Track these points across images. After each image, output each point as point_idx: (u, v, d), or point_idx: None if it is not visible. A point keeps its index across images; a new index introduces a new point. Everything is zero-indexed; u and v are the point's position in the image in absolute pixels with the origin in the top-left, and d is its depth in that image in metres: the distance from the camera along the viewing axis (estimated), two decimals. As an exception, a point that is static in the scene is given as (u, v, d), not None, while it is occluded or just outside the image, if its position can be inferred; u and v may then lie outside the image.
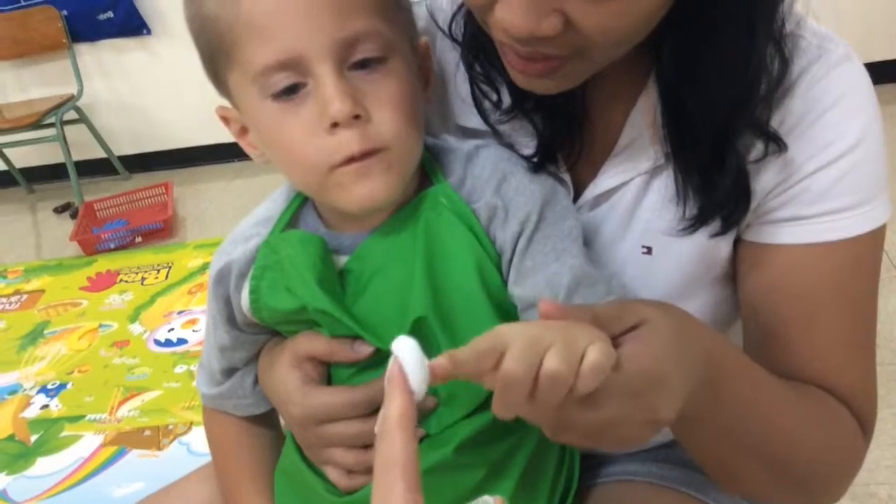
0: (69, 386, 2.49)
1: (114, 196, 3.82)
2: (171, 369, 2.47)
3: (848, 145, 0.68)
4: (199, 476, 0.97)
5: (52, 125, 3.80)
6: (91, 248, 3.43)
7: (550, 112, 0.74)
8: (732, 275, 0.78)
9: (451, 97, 0.83)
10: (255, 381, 0.85)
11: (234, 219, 0.83)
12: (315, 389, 0.75)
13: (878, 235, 0.71)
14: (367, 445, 0.73)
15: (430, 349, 0.51)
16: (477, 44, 0.75)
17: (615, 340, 0.54)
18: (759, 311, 0.75)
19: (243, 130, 0.75)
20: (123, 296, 3.02)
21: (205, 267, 3.09)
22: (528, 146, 0.76)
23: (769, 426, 0.67)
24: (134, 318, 2.84)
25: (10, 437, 2.29)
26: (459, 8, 0.78)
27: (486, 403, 0.71)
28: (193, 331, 2.67)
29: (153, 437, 2.18)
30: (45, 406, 2.41)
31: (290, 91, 0.66)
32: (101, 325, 2.82)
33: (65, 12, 3.90)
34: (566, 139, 0.76)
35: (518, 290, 0.70)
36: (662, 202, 0.74)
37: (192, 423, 2.20)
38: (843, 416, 0.72)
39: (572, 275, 0.68)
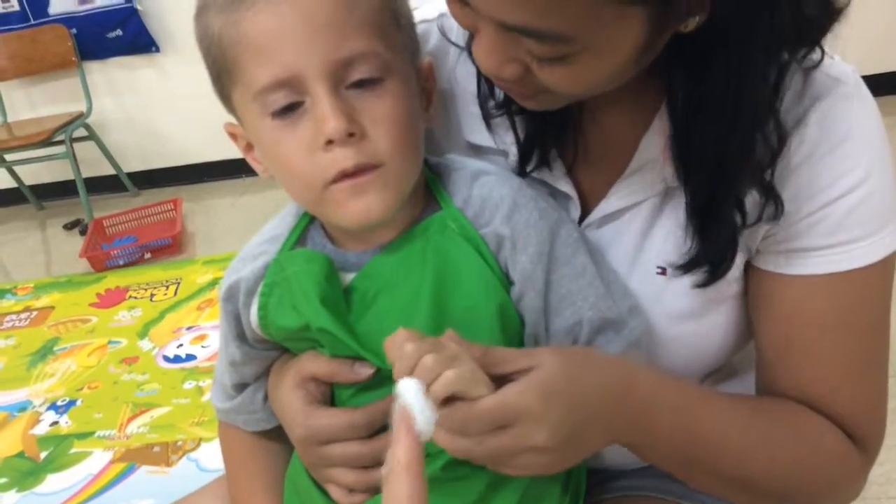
0: (79, 402, 2.50)
1: (123, 212, 3.84)
2: (179, 385, 2.48)
3: (859, 178, 0.69)
4: (209, 491, 0.97)
5: (61, 142, 3.83)
6: (100, 264, 3.45)
7: (534, 115, 0.75)
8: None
9: (460, 113, 0.84)
10: (266, 397, 0.85)
11: (242, 234, 0.84)
12: (317, 411, 0.76)
13: (887, 263, 0.72)
14: (368, 466, 0.74)
15: None
16: None
17: (507, 378, 0.61)
18: (766, 333, 0.77)
19: (249, 146, 0.76)
20: (132, 312, 3.03)
21: (214, 283, 3.10)
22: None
23: (720, 447, 0.71)
24: (143, 334, 2.84)
25: (20, 454, 2.30)
26: None
27: None
28: (202, 346, 2.68)
29: (162, 454, 2.18)
30: (55, 423, 2.42)
31: (289, 109, 0.67)
32: (110, 342, 2.83)
33: (74, 31, 3.95)
34: (555, 143, 0.77)
35: (542, 341, 0.74)
36: (676, 225, 0.75)
37: (201, 440, 2.20)
38: (827, 436, 0.74)
39: (590, 326, 0.72)
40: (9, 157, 3.96)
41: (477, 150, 0.83)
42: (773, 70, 0.64)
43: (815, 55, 0.67)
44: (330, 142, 0.66)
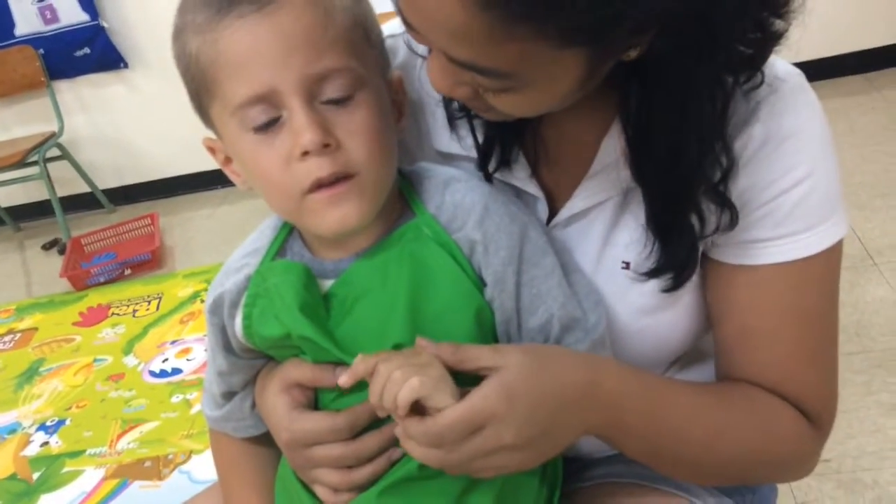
0: (67, 422, 2.51)
1: (100, 230, 3.83)
2: (167, 399, 2.49)
3: (804, 173, 0.74)
4: (201, 499, 1.01)
5: (35, 163, 3.83)
6: (81, 283, 3.44)
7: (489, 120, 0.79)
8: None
9: (429, 122, 0.87)
10: (253, 405, 0.89)
11: (221, 245, 0.87)
12: (301, 415, 0.79)
13: (833, 251, 0.77)
14: (351, 466, 0.77)
15: None
16: None
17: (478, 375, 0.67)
18: (722, 321, 0.81)
19: (228, 160, 0.79)
20: (116, 329, 3.03)
21: (195, 295, 3.11)
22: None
23: (685, 436, 0.76)
24: (128, 350, 2.85)
25: (13, 476, 2.31)
26: None
27: None
28: (188, 360, 2.69)
29: (154, 468, 2.19)
30: (45, 443, 2.43)
31: (268, 125, 0.70)
32: (95, 360, 2.84)
33: (41, 51, 3.94)
34: (515, 144, 0.81)
35: (515, 340, 0.78)
36: (639, 221, 0.78)
37: (191, 452, 2.21)
38: (783, 416, 0.79)
39: (560, 324, 0.76)
40: (-17, 180, 3.95)
41: (446, 158, 0.86)
42: (718, 95, 0.68)
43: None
44: (306, 153, 0.69)
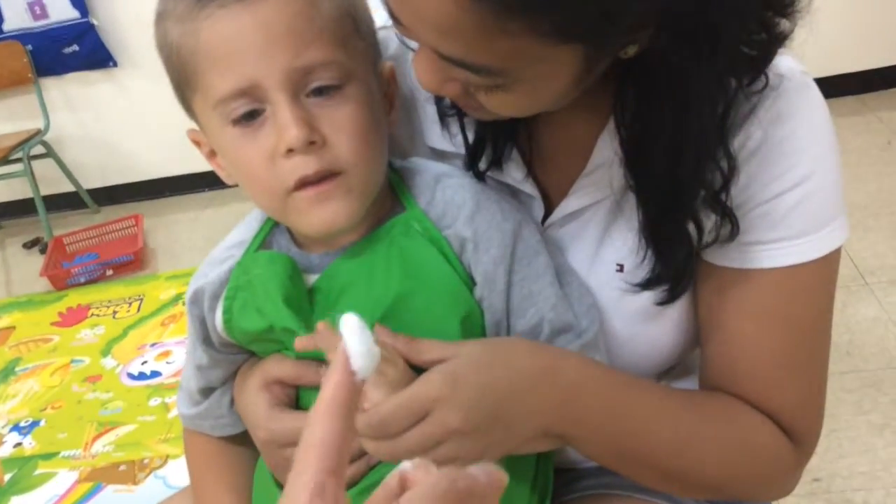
0: (42, 423, 2.46)
1: (83, 230, 3.79)
2: (145, 402, 2.45)
3: (802, 175, 0.70)
4: (176, 499, 0.97)
5: (19, 160, 3.78)
6: (61, 282, 3.40)
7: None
8: None
9: (422, 118, 0.84)
10: (232, 402, 0.86)
11: (205, 249, 0.85)
12: (280, 414, 0.76)
13: (829, 260, 0.73)
14: None
15: None
16: None
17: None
18: (708, 325, 0.78)
19: (213, 152, 0.76)
20: (95, 330, 2.99)
21: (177, 298, 3.07)
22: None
23: (651, 438, 0.72)
24: (106, 352, 2.81)
25: (-17, 477, 2.26)
26: None
27: None
28: (167, 363, 2.65)
29: (129, 472, 2.15)
30: (19, 444, 2.38)
31: (250, 117, 0.67)
32: (73, 361, 2.80)
33: (29, 47, 3.89)
34: (509, 143, 0.78)
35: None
36: (634, 223, 0.75)
37: (167, 457, 2.17)
38: (761, 431, 0.76)
39: (551, 327, 0.73)
40: (-35, 176, 3.90)
41: (439, 155, 0.84)
42: (720, 98, 0.65)
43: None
44: (290, 150, 0.66)
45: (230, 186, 0.78)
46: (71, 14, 3.85)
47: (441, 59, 0.60)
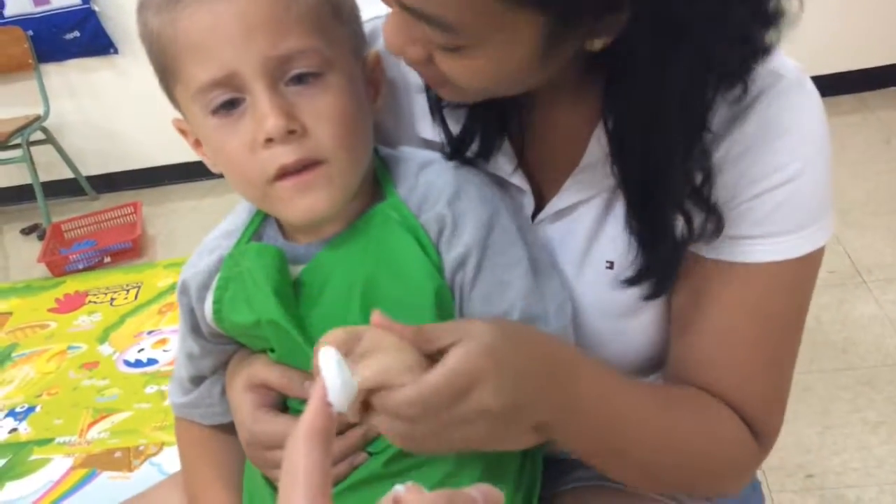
0: (38, 409, 2.46)
1: (82, 216, 3.78)
2: (141, 390, 2.45)
3: (793, 173, 0.70)
4: (168, 484, 0.97)
5: (18, 146, 3.77)
6: (59, 269, 3.40)
7: (475, 104, 0.76)
8: None
9: (413, 107, 0.84)
10: (223, 391, 0.85)
11: (203, 237, 0.85)
12: (264, 416, 0.76)
13: (811, 260, 0.73)
14: None
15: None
16: None
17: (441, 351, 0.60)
18: (684, 315, 0.78)
19: (198, 142, 0.76)
20: (92, 317, 2.99)
21: (175, 286, 3.04)
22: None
23: (634, 434, 0.72)
24: (103, 339, 2.81)
25: (-22, 462, 2.26)
26: None
27: None
28: (164, 350, 2.65)
29: (124, 459, 2.15)
30: (14, 430, 2.38)
31: (230, 105, 0.67)
32: (69, 347, 2.80)
33: (30, 32, 3.88)
34: (499, 134, 0.78)
35: None
36: (623, 222, 0.75)
37: (163, 444, 2.18)
38: (728, 424, 0.76)
39: (521, 315, 0.72)
40: (-36, 161, 3.89)
41: (430, 145, 0.83)
42: (695, 102, 0.65)
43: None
44: (270, 140, 0.66)
45: (230, 176, 0.78)
46: (72, 0, 3.83)
47: (405, 13, 0.61)
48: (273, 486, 0.78)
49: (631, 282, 0.75)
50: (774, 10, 0.62)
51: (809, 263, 0.74)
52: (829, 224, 0.73)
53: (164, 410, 2.32)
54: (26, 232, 3.99)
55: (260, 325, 0.73)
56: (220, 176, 0.76)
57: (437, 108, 0.79)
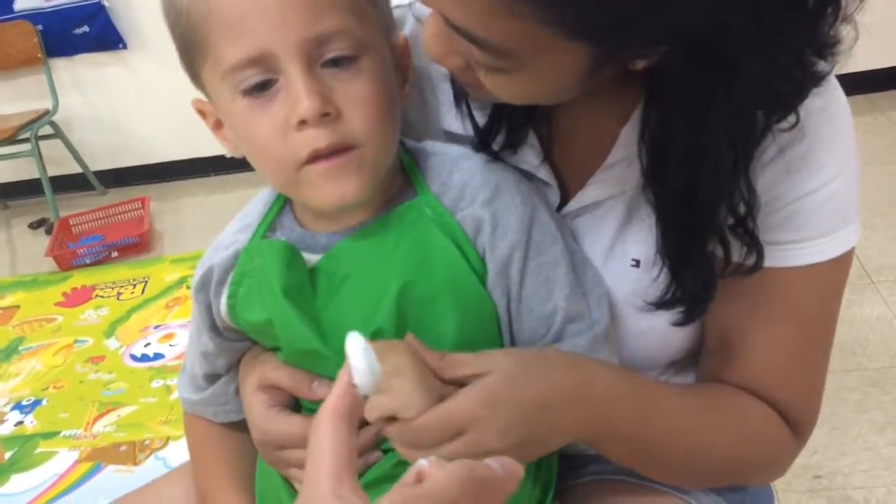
0: (44, 402, 2.46)
1: (90, 211, 3.79)
2: (147, 384, 2.45)
3: (828, 177, 0.70)
4: (174, 476, 0.97)
5: (27, 140, 3.78)
6: (66, 263, 3.40)
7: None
8: None
9: (437, 101, 0.83)
10: (238, 389, 0.85)
11: (211, 233, 0.84)
12: (276, 416, 0.76)
13: (844, 260, 0.73)
14: None
15: None
16: None
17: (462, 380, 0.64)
18: (719, 321, 0.78)
19: (218, 124, 0.75)
20: (99, 311, 2.99)
21: (182, 281, 3.07)
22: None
23: (674, 443, 0.73)
24: (110, 333, 2.81)
25: (-16, 455, 2.26)
26: None
27: None
28: (170, 345, 2.65)
29: (129, 453, 2.15)
30: (20, 423, 2.38)
31: (261, 87, 0.66)
32: (76, 341, 2.80)
33: (40, 27, 3.88)
34: (525, 127, 0.77)
35: (517, 327, 0.74)
36: (652, 219, 0.74)
37: (168, 438, 2.18)
38: (770, 422, 0.77)
39: (564, 315, 0.72)
40: (-27, 155, 3.90)
41: (454, 138, 0.82)
42: (740, 136, 0.63)
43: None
44: (303, 122, 0.64)
45: (237, 172, 0.77)
46: (82, -5, 3.84)
47: (448, 28, 0.59)
48: (290, 485, 0.78)
49: (659, 306, 0.74)
50: (829, 39, 0.60)
51: (843, 262, 0.74)
52: (859, 223, 0.73)
53: (170, 405, 2.32)
54: (34, 226, 4.00)
55: (272, 324, 0.73)
56: (228, 172, 0.75)
57: (463, 98, 0.78)
